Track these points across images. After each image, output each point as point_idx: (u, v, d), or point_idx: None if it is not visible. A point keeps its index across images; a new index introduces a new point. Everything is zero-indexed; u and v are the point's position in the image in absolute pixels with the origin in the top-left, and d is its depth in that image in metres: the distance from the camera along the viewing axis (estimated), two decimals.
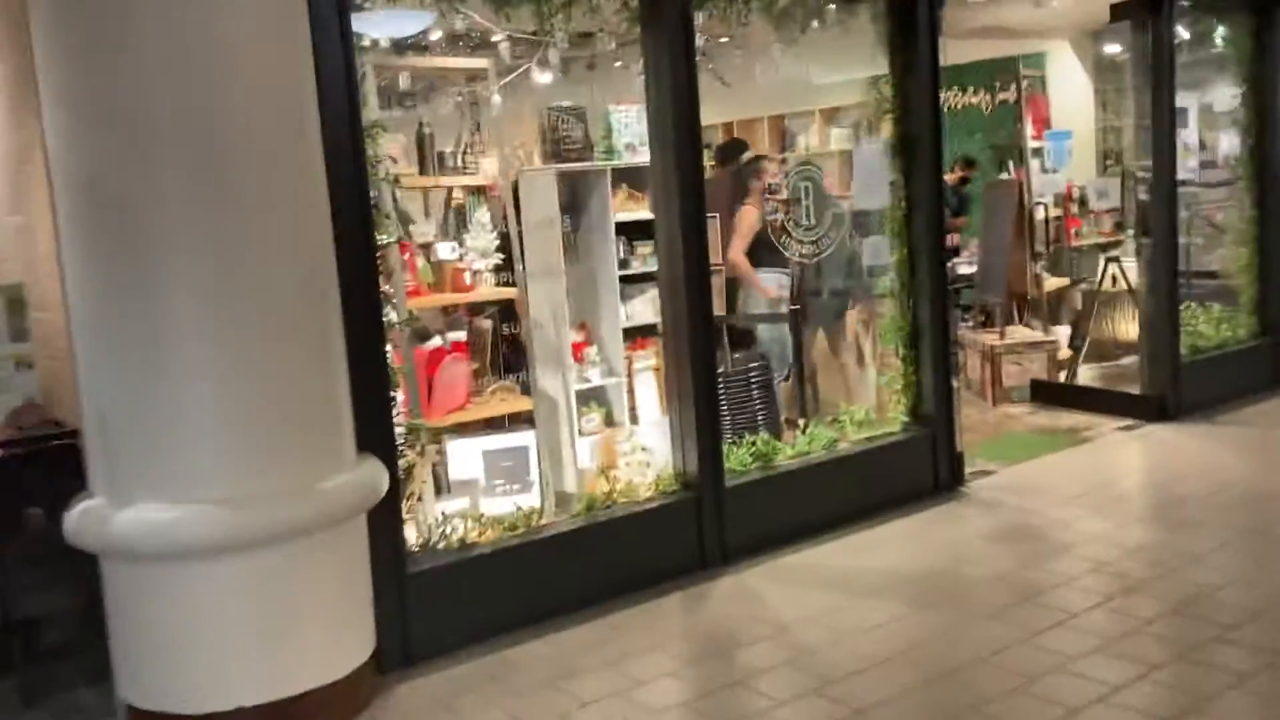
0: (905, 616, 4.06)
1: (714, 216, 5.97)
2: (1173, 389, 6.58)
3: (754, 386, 5.86)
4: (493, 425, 5.14)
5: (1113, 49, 8.96)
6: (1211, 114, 8.07)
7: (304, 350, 3.44)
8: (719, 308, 5.88)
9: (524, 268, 5.18)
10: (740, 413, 5.78)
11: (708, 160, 6.07)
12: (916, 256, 5.44)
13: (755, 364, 6.00)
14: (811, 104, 9.39)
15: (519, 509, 4.35)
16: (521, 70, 6.52)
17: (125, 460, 3.28)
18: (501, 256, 5.10)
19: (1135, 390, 6.86)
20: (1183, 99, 6.70)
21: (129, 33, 3.11)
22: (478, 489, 4.93)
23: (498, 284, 5.16)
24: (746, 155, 7.25)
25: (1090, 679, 3.46)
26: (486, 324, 5.46)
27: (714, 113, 9.12)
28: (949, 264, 6.11)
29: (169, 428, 3.23)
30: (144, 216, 3.18)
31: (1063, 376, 7.61)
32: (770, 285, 6.17)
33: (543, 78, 6.52)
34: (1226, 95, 7.40)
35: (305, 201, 3.43)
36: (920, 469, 5.43)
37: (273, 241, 3.33)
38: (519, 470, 5.04)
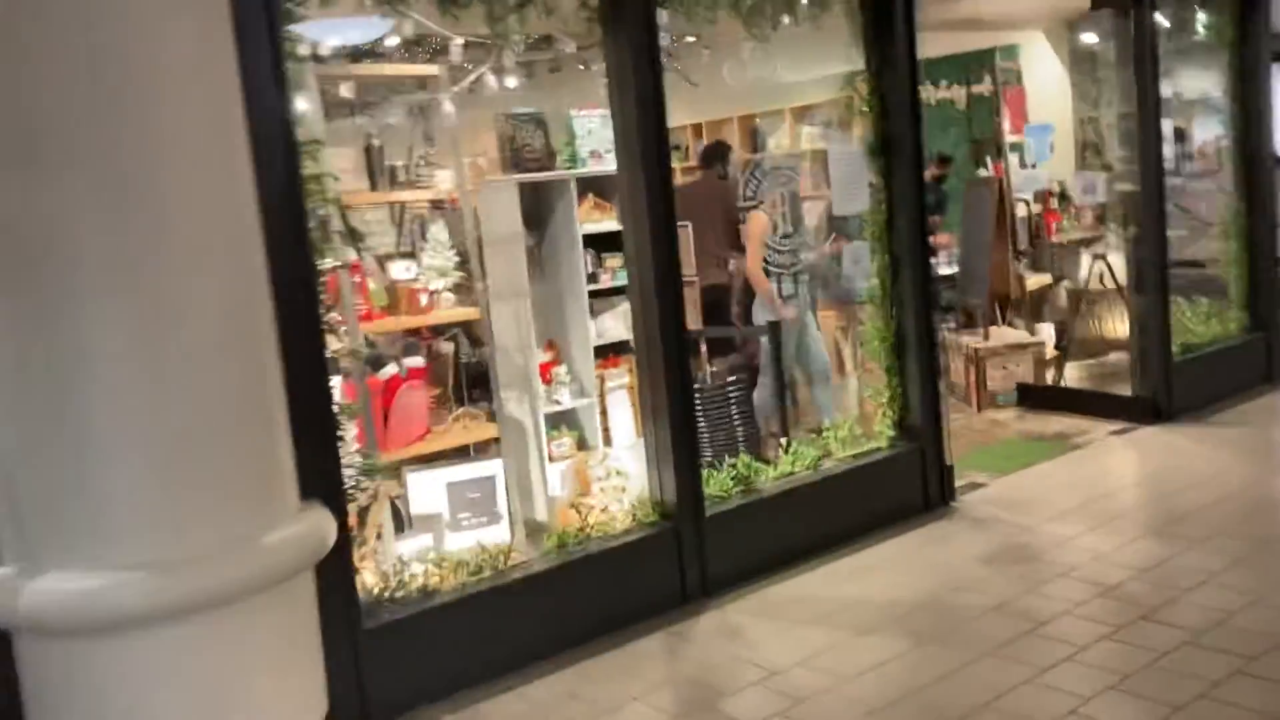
0: (902, 655, 3.78)
1: (685, 225, 5.68)
2: (1165, 389, 6.35)
3: (732, 402, 5.57)
4: (457, 454, 4.83)
5: (1089, 39, 8.73)
6: (1193, 103, 7.85)
7: (235, 388, 3.08)
8: (694, 321, 5.58)
9: (486, 285, 4.87)
10: (718, 430, 5.49)
11: (677, 164, 5.76)
12: (899, 261, 5.17)
13: (733, 378, 5.71)
14: (783, 103, 9.08)
15: (484, 549, 4.04)
16: (475, 76, 6.20)
17: (34, 519, 2.92)
18: (461, 275, 4.78)
19: (1126, 391, 6.63)
20: (1164, 88, 6.46)
21: (27, 36, 2.77)
22: (441, 524, 4.62)
23: (458, 303, 4.84)
24: (770, 157, 6.90)
25: None
26: (447, 347, 5.14)
27: (681, 114, 8.82)
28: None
29: (82, 480, 2.87)
30: (43, 238, 2.81)
31: (1050, 378, 7.37)
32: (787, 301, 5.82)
33: (499, 83, 6.21)
34: (1208, 83, 7.18)
35: (231, 223, 3.08)
36: (909, 486, 5.16)
37: (194, 266, 2.98)
38: (486, 502, 4.73)
